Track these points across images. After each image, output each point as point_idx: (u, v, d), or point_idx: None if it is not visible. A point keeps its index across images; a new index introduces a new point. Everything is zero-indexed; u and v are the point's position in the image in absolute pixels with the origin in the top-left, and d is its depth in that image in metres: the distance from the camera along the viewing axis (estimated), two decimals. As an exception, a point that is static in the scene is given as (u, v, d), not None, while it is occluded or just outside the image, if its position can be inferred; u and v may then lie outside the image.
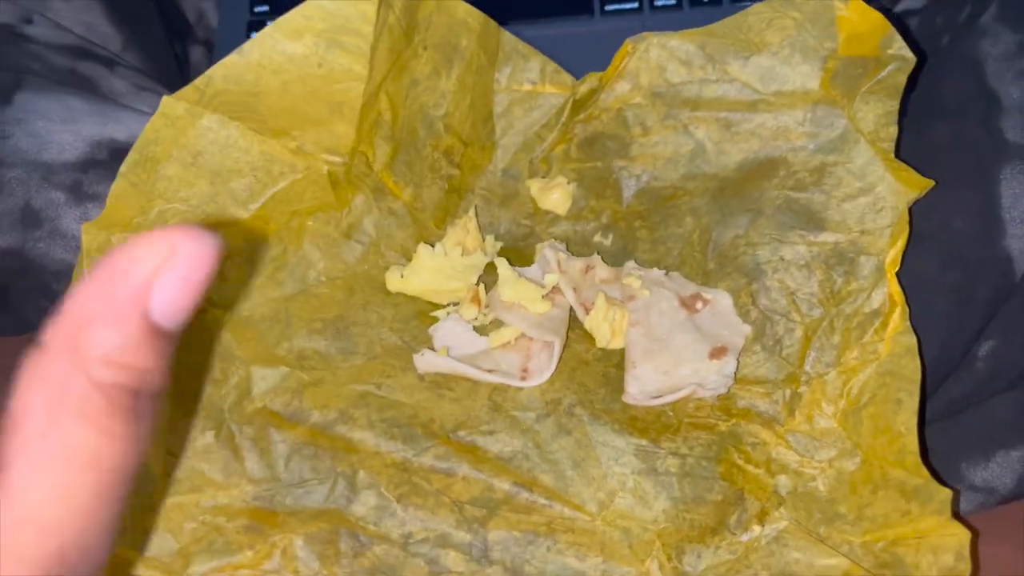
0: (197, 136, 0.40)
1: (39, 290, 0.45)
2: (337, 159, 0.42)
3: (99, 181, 0.44)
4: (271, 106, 0.41)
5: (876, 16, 0.42)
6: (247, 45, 0.40)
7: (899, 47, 0.42)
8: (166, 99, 0.40)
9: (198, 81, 0.40)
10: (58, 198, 0.44)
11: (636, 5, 0.58)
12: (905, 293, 0.39)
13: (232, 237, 0.42)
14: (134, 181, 0.39)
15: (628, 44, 0.45)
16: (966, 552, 0.35)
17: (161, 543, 0.38)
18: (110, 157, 0.45)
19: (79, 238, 0.43)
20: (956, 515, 0.36)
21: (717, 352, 0.41)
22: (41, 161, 0.44)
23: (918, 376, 0.38)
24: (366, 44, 0.41)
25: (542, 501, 0.38)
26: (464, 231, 0.46)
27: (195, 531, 0.38)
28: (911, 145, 0.42)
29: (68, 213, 0.44)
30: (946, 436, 0.40)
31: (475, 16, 0.45)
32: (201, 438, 0.39)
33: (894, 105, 0.42)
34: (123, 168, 0.39)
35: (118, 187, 0.39)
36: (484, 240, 0.47)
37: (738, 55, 0.44)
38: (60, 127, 0.45)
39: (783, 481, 0.39)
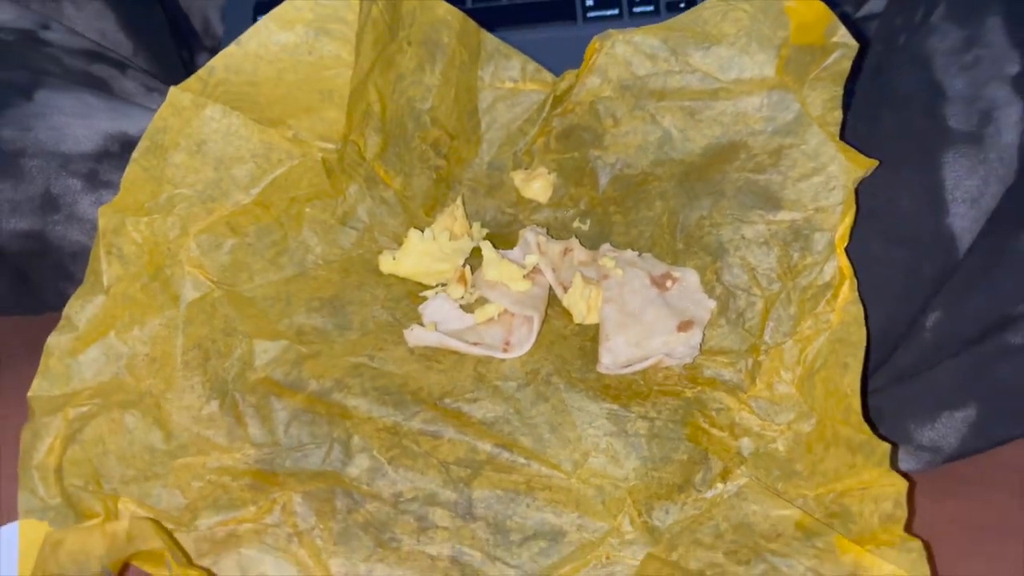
0: (201, 125, 0.43)
1: (57, 270, 0.48)
2: (330, 146, 0.45)
3: (112, 171, 0.48)
4: (268, 95, 0.44)
5: (820, 6, 0.44)
6: (245, 35, 0.43)
7: (842, 35, 0.44)
8: (173, 90, 0.43)
9: (201, 71, 0.43)
10: (75, 185, 0.47)
11: (616, 11, 0.61)
12: (856, 269, 0.42)
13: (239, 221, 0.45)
14: (145, 167, 0.42)
15: (596, 41, 0.48)
16: (903, 499, 0.37)
17: (171, 498, 0.40)
18: (122, 149, 0.48)
19: (94, 221, 0.46)
20: (896, 468, 0.39)
21: (684, 325, 0.44)
22: (59, 151, 0.47)
23: (863, 342, 0.40)
24: (352, 32, 0.43)
25: (521, 461, 0.41)
26: (452, 218, 0.48)
27: (202, 489, 0.41)
28: (863, 133, 0.45)
29: (84, 199, 0.47)
30: (895, 400, 0.43)
31: (455, 14, 0.48)
32: (207, 407, 0.42)
33: (838, 91, 0.44)
34: (135, 154, 0.42)
35: (131, 172, 0.42)
36: (471, 227, 0.49)
37: (698, 46, 0.47)
38: (77, 121, 0.48)
39: (746, 443, 0.42)
